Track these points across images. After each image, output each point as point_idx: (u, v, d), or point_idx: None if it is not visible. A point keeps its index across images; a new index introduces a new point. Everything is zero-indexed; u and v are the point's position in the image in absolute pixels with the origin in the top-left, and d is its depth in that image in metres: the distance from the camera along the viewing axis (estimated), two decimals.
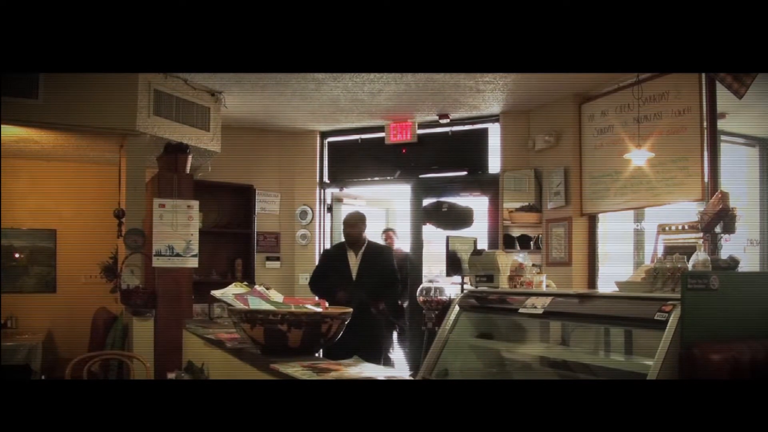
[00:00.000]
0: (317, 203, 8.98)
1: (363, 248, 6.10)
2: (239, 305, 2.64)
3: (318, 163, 9.02)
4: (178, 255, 6.10)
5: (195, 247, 6.17)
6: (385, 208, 9.46)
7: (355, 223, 6.12)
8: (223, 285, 2.98)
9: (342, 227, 6.28)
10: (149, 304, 5.93)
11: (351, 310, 2.74)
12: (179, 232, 6.11)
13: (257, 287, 2.81)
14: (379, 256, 6.18)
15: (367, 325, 5.61)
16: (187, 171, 6.36)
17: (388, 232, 8.67)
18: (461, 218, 8.17)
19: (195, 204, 6.22)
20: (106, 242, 7.43)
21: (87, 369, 4.92)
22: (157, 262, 6.01)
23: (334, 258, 6.22)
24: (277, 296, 2.76)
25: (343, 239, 6.41)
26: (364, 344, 5.21)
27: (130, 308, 5.95)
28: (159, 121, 6.35)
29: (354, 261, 6.06)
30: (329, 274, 6.05)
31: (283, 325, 2.46)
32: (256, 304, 2.64)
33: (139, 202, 6.25)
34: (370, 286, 5.89)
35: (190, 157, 6.39)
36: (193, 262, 6.20)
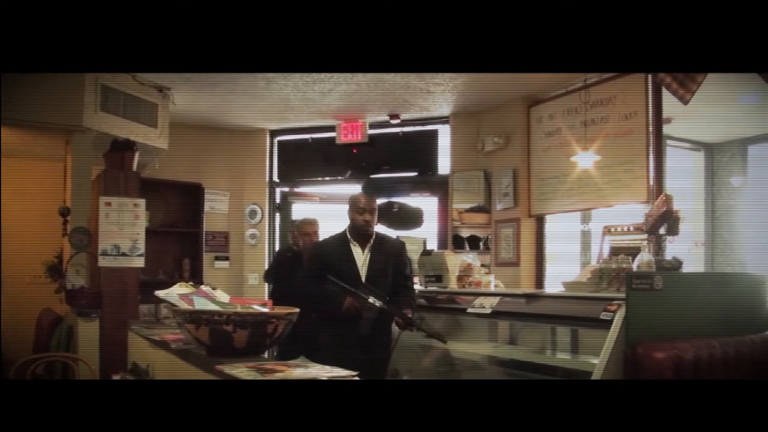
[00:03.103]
0: (267, 203, 8.91)
1: (372, 241, 4.60)
2: (184, 305, 2.61)
3: (268, 162, 8.96)
4: (124, 254, 6.01)
5: (141, 247, 6.09)
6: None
7: (366, 206, 4.55)
8: (171, 285, 2.93)
9: (349, 211, 4.61)
10: (95, 304, 5.84)
11: (298, 310, 2.70)
12: (125, 231, 6.03)
13: (203, 287, 2.77)
14: (392, 250, 4.70)
15: (385, 338, 4.62)
16: (134, 169, 6.27)
17: (306, 227, 5.92)
18: (411, 218, 8.20)
19: (142, 202, 6.14)
20: (50, 241, 7.28)
21: (31, 371, 4.82)
22: (102, 262, 5.92)
23: (331, 253, 4.60)
24: (223, 296, 2.72)
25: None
26: (382, 360, 4.58)
27: (76, 309, 5.85)
28: (106, 118, 6.22)
29: (361, 257, 4.55)
30: (324, 275, 4.38)
31: (229, 325, 2.44)
32: (201, 304, 2.60)
33: (85, 200, 6.12)
34: (384, 290, 4.45)
35: (137, 155, 6.30)
36: (140, 262, 6.12)
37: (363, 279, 4.46)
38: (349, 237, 4.60)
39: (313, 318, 4.66)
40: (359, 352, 4.08)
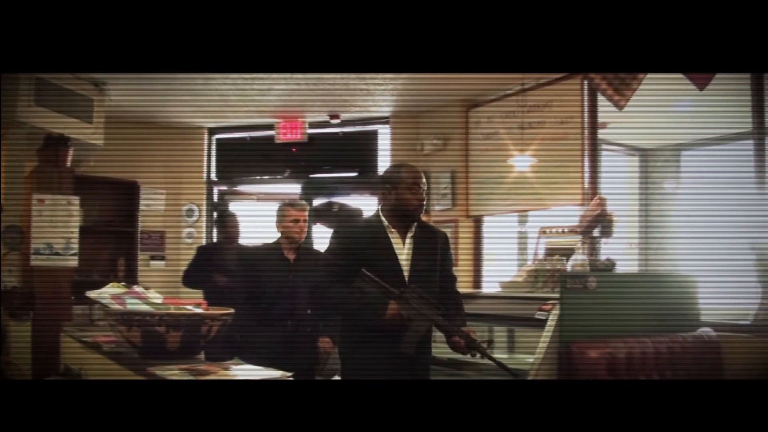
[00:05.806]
0: (204, 201, 8.80)
1: (414, 229, 3.47)
2: (115, 306, 2.56)
3: (205, 160, 8.84)
4: (57, 254, 5.86)
5: (75, 246, 5.95)
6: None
7: (419, 181, 3.42)
8: (105, 285, 2.88)
9: (389, 188, 3.45)
10: (27, 305, 5.68)
11: (233, 310, 2.66)
12: (59, 229, 5.88)
13: (135, 288, 2.73)
14: (439, 243, 3.56)
15: (428, 361, 3.62)
16: (68, 165, 6.11)
17: (295, 213, 4.69)
18: (352, 219, 8.19)
19: (75, 200, 5.99)
20: None
21: None
22: (35, 261, 5.76)
23: (363, 244, 3.37)
24: (156, 297, 2.68)
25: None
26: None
27: (7, 310, 5.69)
28: (40, 112, 6.04)
29: (402, 250, 3.41)
30: (352, 268, 3.26)
31: (162, 326, 2.40)
32: (133, 305, 2.56)
33: (18, 197, 5.93)
34: (431, 292, 3.38)
35: (71, 151, 6.14)
36: (73, 261, 5.97)
37: (406, 276, 3.36)
38: (385, 222, 3.43)
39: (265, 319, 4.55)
40: (400, 376, 3.28)
